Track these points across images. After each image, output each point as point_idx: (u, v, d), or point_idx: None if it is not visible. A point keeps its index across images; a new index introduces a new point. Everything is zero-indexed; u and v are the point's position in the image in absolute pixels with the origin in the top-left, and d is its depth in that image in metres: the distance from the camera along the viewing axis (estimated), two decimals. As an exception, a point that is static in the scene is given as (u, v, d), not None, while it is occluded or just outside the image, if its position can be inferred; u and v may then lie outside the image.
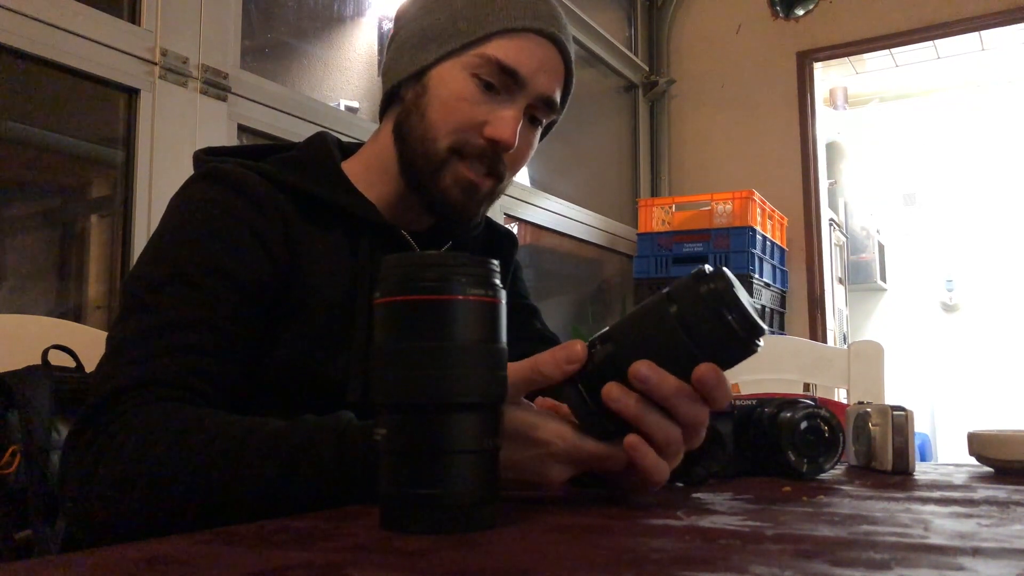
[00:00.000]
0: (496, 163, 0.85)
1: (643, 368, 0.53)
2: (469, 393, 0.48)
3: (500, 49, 0.82)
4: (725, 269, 0.55)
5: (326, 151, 0.91)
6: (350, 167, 0.91)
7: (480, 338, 0.48)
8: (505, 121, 0.82)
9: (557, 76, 0.87)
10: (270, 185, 0.83)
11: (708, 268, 0.55)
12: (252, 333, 0.77)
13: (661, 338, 0.54)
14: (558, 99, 0.88)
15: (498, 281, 0.50)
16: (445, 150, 0.84)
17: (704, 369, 0.53)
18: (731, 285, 0.54)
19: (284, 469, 0.59)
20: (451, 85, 0.84)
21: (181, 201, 0.81)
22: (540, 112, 0.87)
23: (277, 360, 0.79)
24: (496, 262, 0.51)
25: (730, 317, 0.53)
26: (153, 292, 0.73)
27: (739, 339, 0.53)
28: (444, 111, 0.83)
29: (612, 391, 0.54)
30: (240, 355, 0.75)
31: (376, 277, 0.50)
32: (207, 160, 0.87)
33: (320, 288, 0.82)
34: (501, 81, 0.83)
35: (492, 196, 0.89)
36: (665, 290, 0.56)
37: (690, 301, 0.54)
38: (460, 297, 0.48)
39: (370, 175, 0.90)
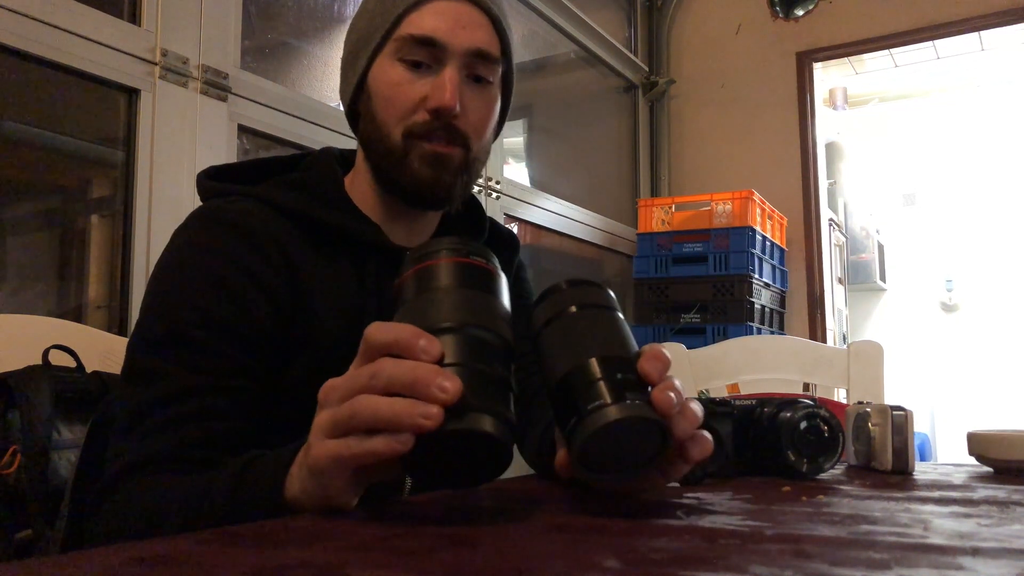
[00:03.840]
0: (453, 132, 0.84)
1: (669, 391, 0.53)
2: (447, 320, 0.53)
3: (411, 25, 0.83)
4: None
5: (330, 171, 0.90)
6: (350, 185, 0.92)
7: (466, 286, 0.55)
8: (440, 87, 0.82)
9: (478, 27, 0.85)
10: (272, 213, 0.82)
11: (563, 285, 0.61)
12: (258, 378, 0.77)
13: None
14: (493, 49, 0.86)
15: (496, 261, 0.58)
16: (400, 138, 0.84)
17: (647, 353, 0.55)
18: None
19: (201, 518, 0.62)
20: (384, 78, 0.85)
21: (179, 245, 0.81)
22: (480, 68, 0.86)
23: (288, 386, 0.79)
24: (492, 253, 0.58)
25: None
26: (153, 356, 0.74)
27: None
28: (386, 104, 0.85)
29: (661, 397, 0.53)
30: (246, 405, 0.75)
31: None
32: (208, 186, 0.87)
33: (327, 317, 0.82)
34: (424, 54, 0.84)
35: (468, 168, 0.87)
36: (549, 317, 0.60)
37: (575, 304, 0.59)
38: (458, 260, 0.56)
39: (365, 196, 0.90)
